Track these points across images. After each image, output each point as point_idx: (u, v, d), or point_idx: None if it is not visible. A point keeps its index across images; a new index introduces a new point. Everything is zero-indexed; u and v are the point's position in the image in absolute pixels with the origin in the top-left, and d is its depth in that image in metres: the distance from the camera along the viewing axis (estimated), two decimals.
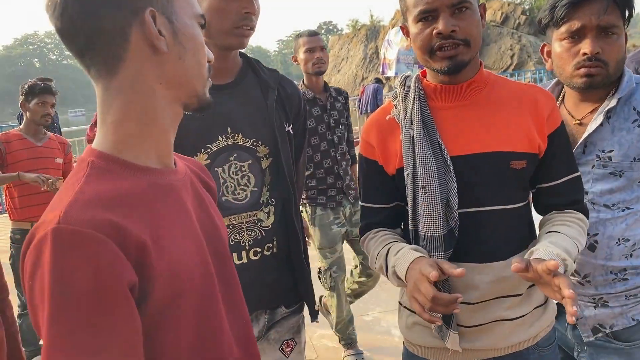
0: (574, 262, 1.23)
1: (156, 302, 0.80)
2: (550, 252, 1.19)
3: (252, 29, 1.52)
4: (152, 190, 0.87)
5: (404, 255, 1.29)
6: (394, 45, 14.01)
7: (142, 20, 0.84)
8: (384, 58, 14.66)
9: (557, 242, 1.24)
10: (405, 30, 1.38)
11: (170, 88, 0.89)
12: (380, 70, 13.94)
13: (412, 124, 1.35)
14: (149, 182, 0.87)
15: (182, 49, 0.89)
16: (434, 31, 1.27)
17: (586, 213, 1.42)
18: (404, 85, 1.42)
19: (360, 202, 1.53)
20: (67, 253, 0.70)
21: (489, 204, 1.32)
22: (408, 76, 1.45)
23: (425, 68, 1.41)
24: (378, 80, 13.57)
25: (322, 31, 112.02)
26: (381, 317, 3.73)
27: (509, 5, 26.95)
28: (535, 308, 1.38)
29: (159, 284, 0.79)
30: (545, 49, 1.62)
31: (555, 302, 1.46)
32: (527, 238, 1.40)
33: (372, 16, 38.58)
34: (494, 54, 24.74)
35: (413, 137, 1.34)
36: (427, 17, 1.28)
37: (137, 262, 0.76)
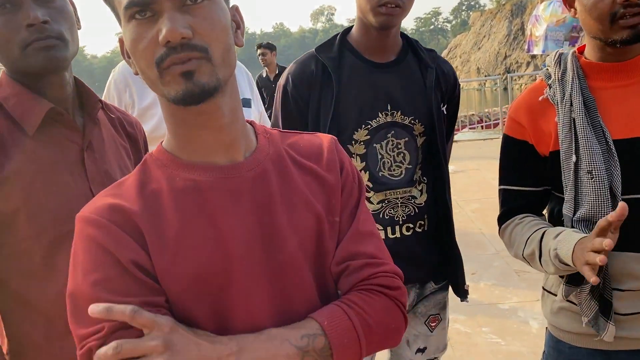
0: None
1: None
2: None
3: (399, 6, 1.48)
4: None
5: (566, 237, 1.23)
6: (542, 20, 13.10)
7: None
8: (530, 35, 13.78)
9: None
10: (567, 1, 1.30)
11: None
12: (526, 47, 13.15)
13: (571, 105, 1.29)
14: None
15: None
16: None
17: None
18: (559, 64, 1.35)
19: (500, 186, 1.47)
20: None
21: None
22: (562, 54, 1.37)
23: (575, 45, 1.32)
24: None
25: (464, 7, 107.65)
26: (518, 306, 3.59)
27: None
28: None
29: None
30: None
31: None
32: None
33: None
34: None
35: (574, 119, 1.28)
36: None
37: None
